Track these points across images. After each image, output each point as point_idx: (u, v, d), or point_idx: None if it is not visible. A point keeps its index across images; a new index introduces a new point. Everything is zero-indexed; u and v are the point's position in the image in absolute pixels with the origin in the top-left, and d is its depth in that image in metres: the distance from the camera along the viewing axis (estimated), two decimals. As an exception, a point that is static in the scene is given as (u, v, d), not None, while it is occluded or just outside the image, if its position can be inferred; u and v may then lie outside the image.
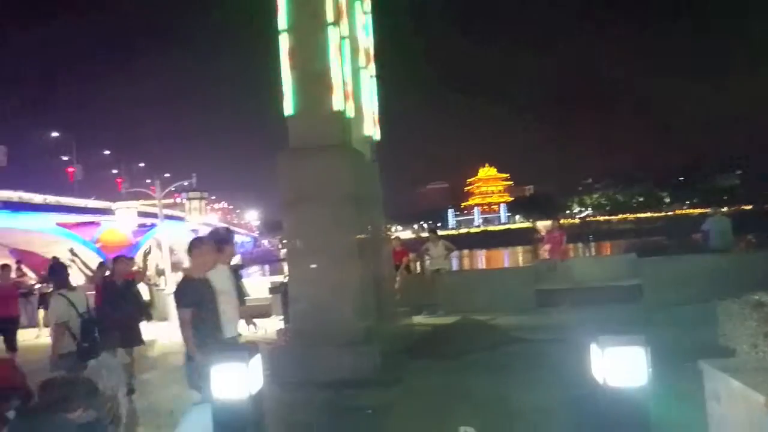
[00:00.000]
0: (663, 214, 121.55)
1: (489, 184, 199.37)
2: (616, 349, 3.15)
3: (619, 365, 3.12)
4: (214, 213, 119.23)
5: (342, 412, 5.85)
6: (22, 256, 36.75)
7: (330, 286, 7.30)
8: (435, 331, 9.59)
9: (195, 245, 4.78)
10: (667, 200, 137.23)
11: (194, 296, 4.50)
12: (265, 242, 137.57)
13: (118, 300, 7.38)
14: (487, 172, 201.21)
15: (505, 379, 6.50)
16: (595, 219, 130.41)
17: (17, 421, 3.64)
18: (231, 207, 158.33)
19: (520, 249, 62.39)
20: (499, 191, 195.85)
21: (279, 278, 16.44)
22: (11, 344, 8.92)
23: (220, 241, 5.14)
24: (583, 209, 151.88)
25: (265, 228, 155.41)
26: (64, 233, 52.39)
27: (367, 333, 7.35)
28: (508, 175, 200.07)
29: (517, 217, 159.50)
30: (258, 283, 15.43)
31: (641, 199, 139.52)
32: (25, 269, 15.67)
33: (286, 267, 20.60)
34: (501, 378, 6.59)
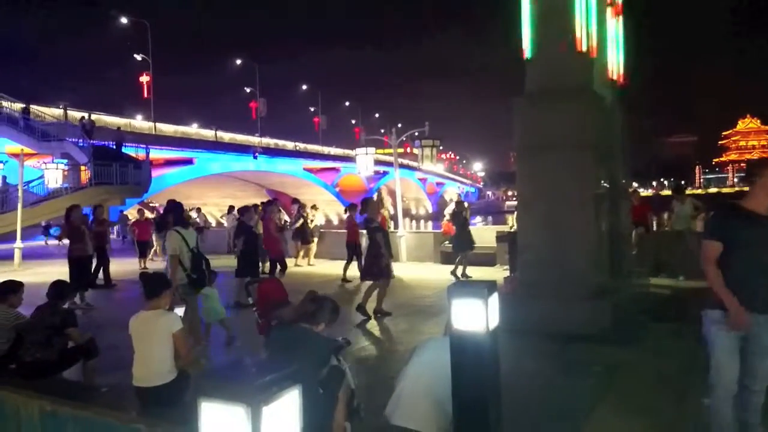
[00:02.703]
0: None
1: (750, 137, 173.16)
2: None
3: None
4: (441, 163, 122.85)
5: (570, 365, 5.71)
6: (277, 196, 42.01)
7: (562, 238, 7.05)
8: (675, 294, 8.79)
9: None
10: None
11: (729, 228, 3.53)
12: (489, 193, 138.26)
13: (376, 235, 8.50)
14: (748, 124, 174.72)
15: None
16: None
17: (277, 328, 4.21)
18: (457, 157, 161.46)
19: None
20: (763, 146, 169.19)
21: (504, 228, 16.43)
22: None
23: None
24: None
25: (489, 179, 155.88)
26: (310, 177, 58.59)
27: (599, 288, 7.00)
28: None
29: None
30: (484, 232, 15.58)
31: None
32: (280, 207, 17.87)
33: (510, 218, 20.54)
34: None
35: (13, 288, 5.35)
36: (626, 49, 9.27)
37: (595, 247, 7.19)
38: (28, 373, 4.82)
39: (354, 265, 11.85)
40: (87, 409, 4.25)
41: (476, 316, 2.75)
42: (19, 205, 17.69)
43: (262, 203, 12.93)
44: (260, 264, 10.66)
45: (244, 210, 10.21)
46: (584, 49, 7.28)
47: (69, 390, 4.72)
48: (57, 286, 5.39)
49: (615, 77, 8.87)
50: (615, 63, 8.88)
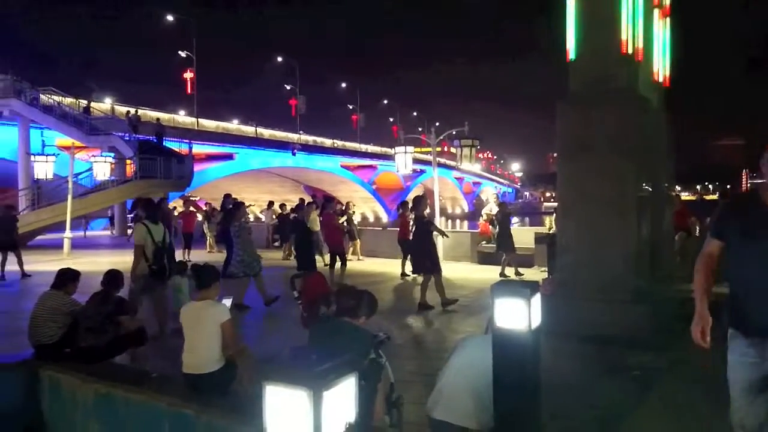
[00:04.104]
0: None
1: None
2: None
3: None
4: (478, 162, 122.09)
5: (607, 369, 5.69)
6: (314, 192, 42.44)
7: (602, 240, 7.02)
8: (717, 300, 8.63)
9: None
10: None
11: (732, 222, 2.93)
12: (526, 194, 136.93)
13: (427, 231, 9.08)
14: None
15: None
16: None
17: (319, 321, 4.35)
18: (494, 157, 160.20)
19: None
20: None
21: (541, 229, 16.31)
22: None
23: None
24: None
25: (527, 179, 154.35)
26: (347, 174, 58.98)
27: (639, 292, 6.95)
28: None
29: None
30: (522, 233, 15.50)
31: None
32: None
33: (548, 220, 20.38)
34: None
35: (72, 276, 5.63)
36: (673, 51, 9.13)
37: (636, 251, 7.13)
38: (82, 358, 5.07)
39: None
40: (139, 392, 4.46)
41: (519, 315, 2.82)
42: (69, 197, 18.35)
43: (325, 199, 13.45)
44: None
45: (298, 207, 10.67)
46: (629, 51, 7.22)
47: (121, 374, 4.95)
48: (111, 275, 5.64)
49: (660, 79, 8.75)
50: (661, 65, 8.76)
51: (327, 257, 11.55)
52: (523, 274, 11.92)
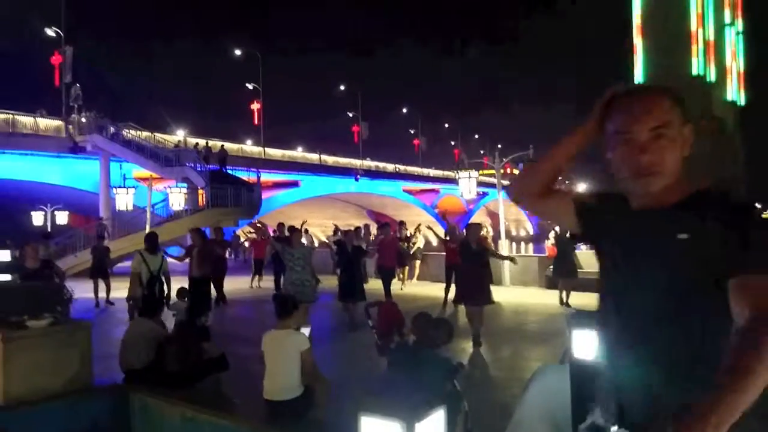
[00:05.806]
0: None
1: None
2: None
3: None
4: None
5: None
6: (377, 217, 42.83)
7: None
8: None
9: None
10: None
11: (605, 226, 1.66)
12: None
13: (471, 261, 8.36)
14: None
15: None
16: None
17: (398, 350, 4.43)
18: (560, 178, 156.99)
19: None
20: None
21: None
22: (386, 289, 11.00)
23: None
24: None
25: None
26: (409, 198, 59.27)
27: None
28: None
29: None
30: (591, 257, 15.14)
31: None
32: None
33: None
34: None
35: (158, 304, 5.97)
36: (748, 67, 8.84)
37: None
38: (169, 382, 5.34)
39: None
40: (224, 417, 4.66)
41: (594, 345, 2.81)
42: (147, 226, 19.36)
43: (380, 225, 13.50)
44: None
45: (345, 233, 10.71)
46: (702, 72, 7.07)
47: (206, 399, 5.18)
48: (195, 305, 5.94)
49: (735, 98, 8.49)
50: (735, 84, 8.51)
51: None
52: (570, 306, 11.08)
